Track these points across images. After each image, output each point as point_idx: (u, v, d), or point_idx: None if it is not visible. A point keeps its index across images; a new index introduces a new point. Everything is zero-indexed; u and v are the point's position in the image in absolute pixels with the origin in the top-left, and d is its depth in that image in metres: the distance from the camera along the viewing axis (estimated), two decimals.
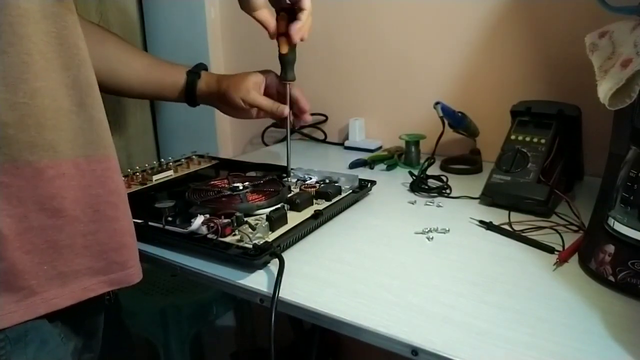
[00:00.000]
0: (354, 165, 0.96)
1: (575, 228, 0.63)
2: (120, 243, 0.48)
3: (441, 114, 0.84)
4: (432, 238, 0.62)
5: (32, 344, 0.43)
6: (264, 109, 0.80)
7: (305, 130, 1.22)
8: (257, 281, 0.52)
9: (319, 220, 0.64)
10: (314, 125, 1.21)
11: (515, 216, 0.67)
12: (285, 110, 0.78)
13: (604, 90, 0.52)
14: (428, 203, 0.74)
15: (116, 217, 0.47)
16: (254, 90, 0.79)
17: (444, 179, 0.81)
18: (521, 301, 0.47)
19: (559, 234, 0.61)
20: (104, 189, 0.46)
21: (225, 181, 0.75)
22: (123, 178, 0.78)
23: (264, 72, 0.82)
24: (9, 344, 0.41)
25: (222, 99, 0.81)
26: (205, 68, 0.85)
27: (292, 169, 0.81)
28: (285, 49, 0.74)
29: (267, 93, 0.82)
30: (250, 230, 0.58)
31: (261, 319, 1.33)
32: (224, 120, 1.33)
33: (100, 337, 0.55)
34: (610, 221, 0.52)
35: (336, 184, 0.74)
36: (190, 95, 0.83)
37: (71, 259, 0.45)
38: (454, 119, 0.88)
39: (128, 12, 1.29)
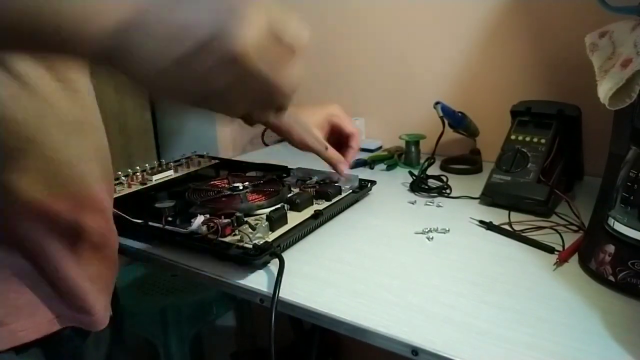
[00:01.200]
0: (354, 165, 0.96)
1: (575, 228, 0.63)
2: (82, 291, 0.44)
3: (441, 114, 0.84)
4: (432, 238, 0.62)
5: None
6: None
7: None
8: (257, 281, 0.52)
9: (319, 220, 0.64)
10: None
11: (515, 216, 0.67)
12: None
13: (604, 90, 0.52)
14: (428, 203, 0.74)
15: (76, 264, 0.44)
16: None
17: (444, 179, 0.81)
18: (521, 301, 0.47)
19: (559, 234, 0.61)
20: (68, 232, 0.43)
21: (225, 181, 0.75)
22: (123, 178, 0.79)
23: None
24: None
25: None
26: None
27: (292, 168, 0.81)
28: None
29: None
30: (250, 230, 0.58)
31: (261, 319, 1.33)
32: (224, 120, 1.32)
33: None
34: (610, 221, 0.52)
35: (336, 184, 0.74)
36: None
37: (38, 290, 0.42)
38: (454, 119, 0.88)
39: None
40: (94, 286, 0.46)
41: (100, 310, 0.47)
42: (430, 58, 1.02)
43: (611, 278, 0.49)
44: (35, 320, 0.41)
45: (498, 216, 0.67)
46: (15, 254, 0.40)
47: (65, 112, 0.42)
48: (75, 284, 0.43)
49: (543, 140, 0.73)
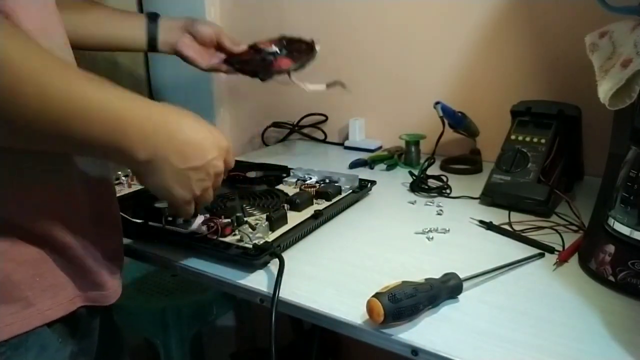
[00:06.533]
0: (354, 165, 0.96)
1: (575, 228, 0.63)
2: (96, 269, 0.49)
3: (441, 114, 0.84)
4: (432, 238, 0.62)
5: (32, 350, 0.44)
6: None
7: (305, 130, 1.22)
8: (257, 281, 0.52)
9: (319, 220, 0.64)
10: (314, 125, 1.21)
11: (515, 216, 0.67)
12: None
13: (604, 90, 0.52)
14: (428, 203, 0.74)
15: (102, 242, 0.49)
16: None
17: (444, 179, 0.81)
18: (521, 301, 0.47)
19: (559, 234, 0.61)
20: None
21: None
22: (123, 178, 0.79)
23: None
24: (9, 349, 0.42)
25: None
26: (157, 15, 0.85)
27: (292, 168, 0.81)
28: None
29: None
30: (250, 230, 0.58)
31: (261, 319, 1.33)
32: (223, 120, 1.33)
33: (96, 340, 0.55)
34: (610, 221, 0.52)
35: (336, 184, 0.74)
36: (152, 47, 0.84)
37: (58, 272, 0.46)
38: (454, 119, 0.88)
39: None
40: (105, 264, 0.51)
41: (112, 287, 0.52)
42: (430, 58, 1.02)
43: (611, 278, 0.49)
44: (58, 300, 0.46)
45: (498, 216, 0.67)
46: (36, 243, 0.44)
47: None
48: (90, 265, 0.48)
49: (543, 140, 0.74)
